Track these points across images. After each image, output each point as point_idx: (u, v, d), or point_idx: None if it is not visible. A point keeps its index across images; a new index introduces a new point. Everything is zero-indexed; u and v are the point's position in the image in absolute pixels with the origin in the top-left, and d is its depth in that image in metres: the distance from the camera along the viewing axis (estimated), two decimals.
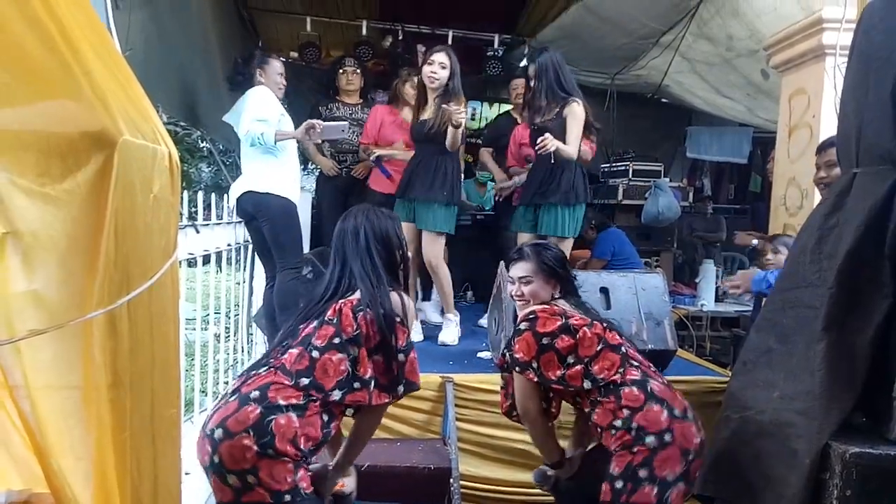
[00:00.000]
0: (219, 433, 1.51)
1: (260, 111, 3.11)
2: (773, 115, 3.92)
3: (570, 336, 1.90)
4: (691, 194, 6.71)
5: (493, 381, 2.78)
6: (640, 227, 5.40)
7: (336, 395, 1.59)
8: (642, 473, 1.74)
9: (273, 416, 1.51)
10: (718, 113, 5.71)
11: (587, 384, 1.87)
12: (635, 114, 6.08)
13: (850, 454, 1.57)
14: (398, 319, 1.71)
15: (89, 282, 1.06)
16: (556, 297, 2.07)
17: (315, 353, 1.62)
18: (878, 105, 1.69)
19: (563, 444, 2.22)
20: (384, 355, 1.68)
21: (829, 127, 2.65)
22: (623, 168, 5.92)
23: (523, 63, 5.30)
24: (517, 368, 1.94)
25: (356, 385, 1.63)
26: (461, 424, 2.70)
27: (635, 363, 1.93)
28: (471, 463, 2.70)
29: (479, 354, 3.29)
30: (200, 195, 2.81)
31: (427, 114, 3.37)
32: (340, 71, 4.36)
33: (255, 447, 1.48)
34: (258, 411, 1.51)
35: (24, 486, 1.12)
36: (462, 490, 2.45)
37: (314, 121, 3.19)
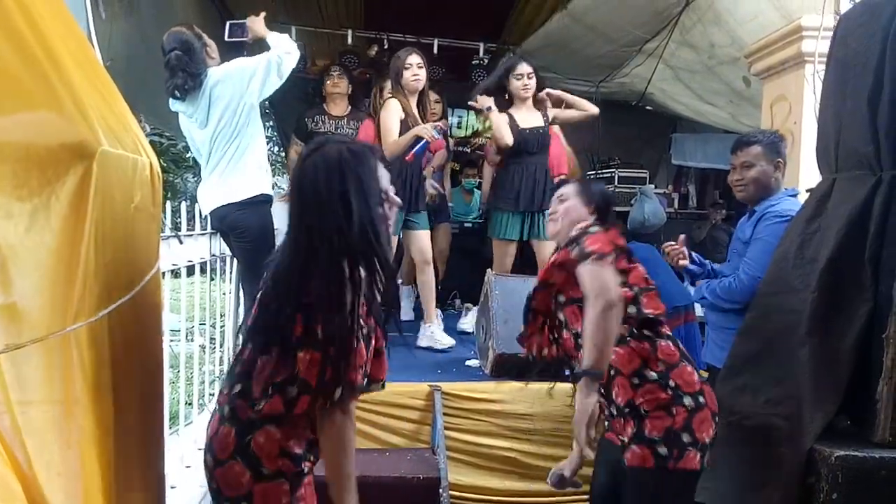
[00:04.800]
0: (209, 458, 1.39)
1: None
2: (755, 121, 3.96)
3: (627, 262, 1.74)
4: (676, 200, 6.78)
5: (482, 389, 2.78)
6: (626, 233, 5.44)
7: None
8: (686, 438, 1.62)
9: (250, 436, 1.34)
10: (702, 120, 5.76)
11: (631, 310, 1.70)
12: (620, 121, 6.11)
13: (836, 458, 1.58)
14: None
15: (70, 294, 1.04)
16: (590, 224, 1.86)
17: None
18: (855, 112, 1.71)
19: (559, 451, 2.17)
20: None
21: (810, 133, 2.67)
22: (608, 175, 5.95)
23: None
24: (593, 257, 1.65)
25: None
26: (450, 433, 2.69)
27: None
28: (460, 472, 2.69)
29: (468, 363, 3.28)
30: (184, 205, 2.78)
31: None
32: (326, 78, 4.37)
33: (249, 472, 1.34)
34: (233, 434, 1.35)
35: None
36: (451, 499, 2.43)
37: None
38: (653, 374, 1.66)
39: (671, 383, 1.65)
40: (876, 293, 1.65)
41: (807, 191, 2.04)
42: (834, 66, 1.88)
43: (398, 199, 1.43)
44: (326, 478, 1.40)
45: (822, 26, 2.70)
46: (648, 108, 6.18)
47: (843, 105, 1.79)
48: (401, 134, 3.30)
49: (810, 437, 1.64)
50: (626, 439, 1.68)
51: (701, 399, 1.66)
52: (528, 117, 3.50)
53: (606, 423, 1.80)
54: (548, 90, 3.53)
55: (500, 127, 3.39)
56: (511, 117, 3.45)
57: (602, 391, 1.71)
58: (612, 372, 1.69)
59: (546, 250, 3.54)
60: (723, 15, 3.91)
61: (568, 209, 1.92)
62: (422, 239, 3.50)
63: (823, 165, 1.92)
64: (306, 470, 1.41)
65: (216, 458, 1.36)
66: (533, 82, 3.46)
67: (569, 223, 1.89)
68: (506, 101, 3.50)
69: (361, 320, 1.34)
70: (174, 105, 2.91)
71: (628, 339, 1.70)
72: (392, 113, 3.29)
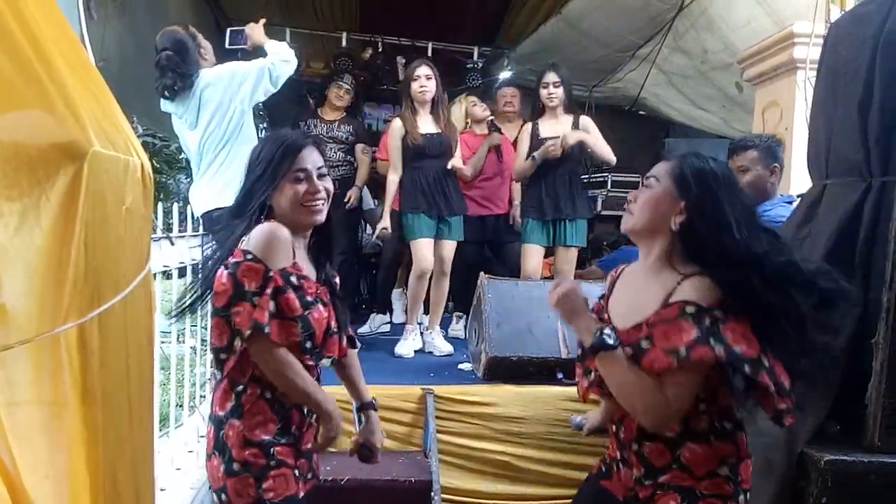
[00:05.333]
0: (206, 453, 1.54)
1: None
2: (748, 126, 3.98)
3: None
4: None
5: (474, 392, 2.78)
6: (620, 237, 5.46)
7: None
8: None
9: (222, 431, 1.49)
10: (695, 125, 5.80)
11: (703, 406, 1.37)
12: (613, 125, 6.12)
13: (825, 462, 1.59)
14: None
15: (59, 295, 1.03)
16: (676, 228, 1.35)
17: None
18: (845, 118, 1.73)
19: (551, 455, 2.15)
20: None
21: (801, 138, 2.69)
22: (602, 179, 5.98)
23: (507, 74, 5.35)
24: (747, 367, 1.25)
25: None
26: (442, 436, 2.69)
27: None
28: (452, 475, 2.69)
29: (460, 366, 3.29)
30: (176, 207, 2.76)
31: (431, 128, 3.45)
32: (334, 83, 4.29)
33: (223, 465, 1.48)
34: (213, 430, 1.52)
35: None
36: (443, 503, 2.43)
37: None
38: (724, 471, 1.38)
39: (738, 478, 1.39)
40: (866, 298, 1.66)
41: (797, 196, 2.05)
42: (825, 73, 1.90)
43: (318, 185, 1.50)
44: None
45: (814, 33, 2.72)
46: (641, 112, 6.21)
47: (833, 112, 1.80)
48: (404, 148, 3.41)
49: (800, 441, 1.64)
50: None
51: (749, 496, 1.42)
52: (554, 127, 3.49)
53: (603, 467, 1.56)
54: (571, 135, 3.36)
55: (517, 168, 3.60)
56: (535, 127, 3.50)
57: (635, 452, 1.43)
58: (675, 465, 1.39)
59: (569, 257, 3.56)
60: (716, 21, 3.94)
61: (651, 200, 1.40)
62: (446, 248, 3.57)
63: (814, 171, 1.94)
64: (275, 461, 1.48)
65: (207, 452, 1.54)
66: (559, 91, 3.47)
67: (649, 219, 1.40)
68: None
69: (297, 279, 1.45)
70: (165, 105, 2.89)
71: (710, 436, 1.37)
72: (394, 135, 3.44)
